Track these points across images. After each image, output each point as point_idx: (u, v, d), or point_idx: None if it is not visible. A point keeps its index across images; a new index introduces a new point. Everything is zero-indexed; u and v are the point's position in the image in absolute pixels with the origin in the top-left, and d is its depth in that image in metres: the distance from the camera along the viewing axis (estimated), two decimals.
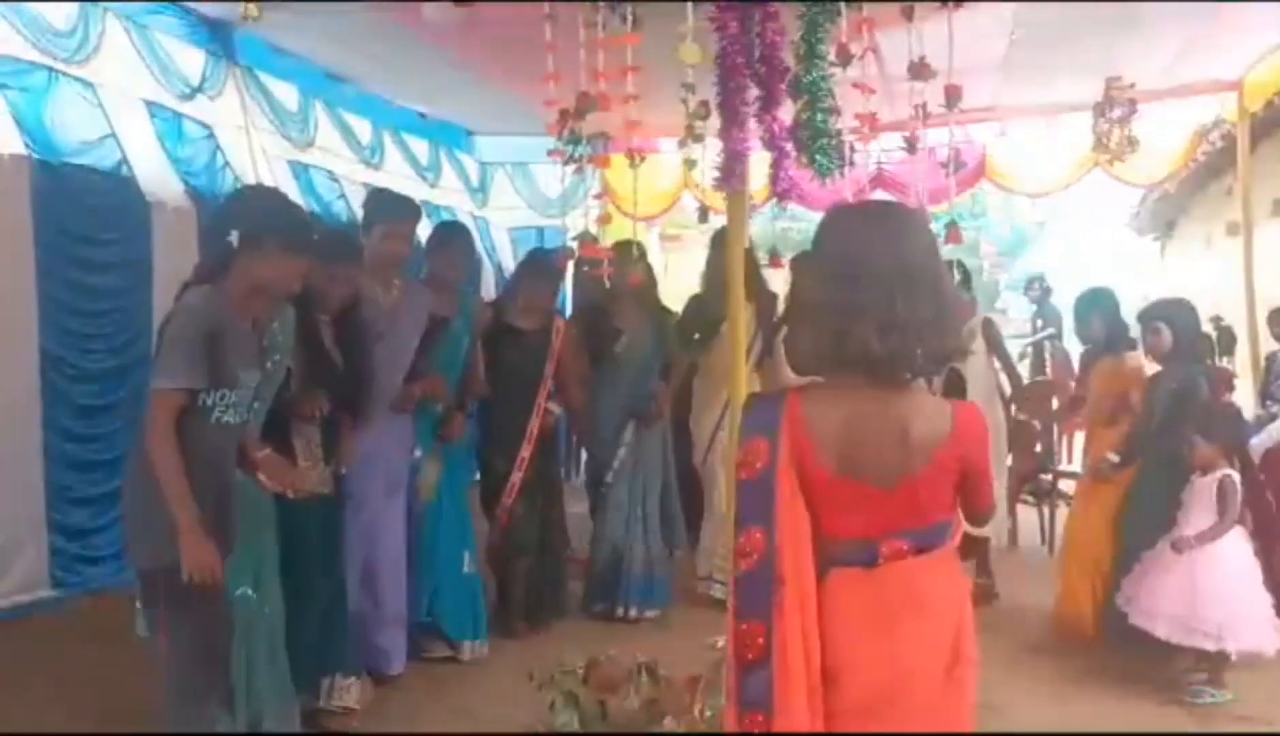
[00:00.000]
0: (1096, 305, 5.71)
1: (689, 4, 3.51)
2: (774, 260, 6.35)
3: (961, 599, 2.15)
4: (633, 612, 5.81)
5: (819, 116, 3.74)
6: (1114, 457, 5.28)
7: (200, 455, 3.15)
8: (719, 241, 5.96)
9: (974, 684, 2.10)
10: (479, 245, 9.36)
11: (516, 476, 5.39)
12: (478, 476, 5.75)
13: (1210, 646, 4.55)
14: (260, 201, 3.59)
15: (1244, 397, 7.57)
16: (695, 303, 6.23)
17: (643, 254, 6.24)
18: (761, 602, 1.98)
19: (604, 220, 5.07)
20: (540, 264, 5.83)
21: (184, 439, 3.11)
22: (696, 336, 6.05)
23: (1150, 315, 5.25)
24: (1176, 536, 4.63)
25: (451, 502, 5.11)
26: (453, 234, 5.49)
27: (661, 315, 6.16)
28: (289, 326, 3.60)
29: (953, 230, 4.45)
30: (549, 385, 5.54)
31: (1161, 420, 5.04)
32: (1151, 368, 5.33)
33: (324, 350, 4.11)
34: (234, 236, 3.21)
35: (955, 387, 5.46)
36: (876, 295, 1.97)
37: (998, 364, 6.25)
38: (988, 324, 6.19)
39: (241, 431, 3.35)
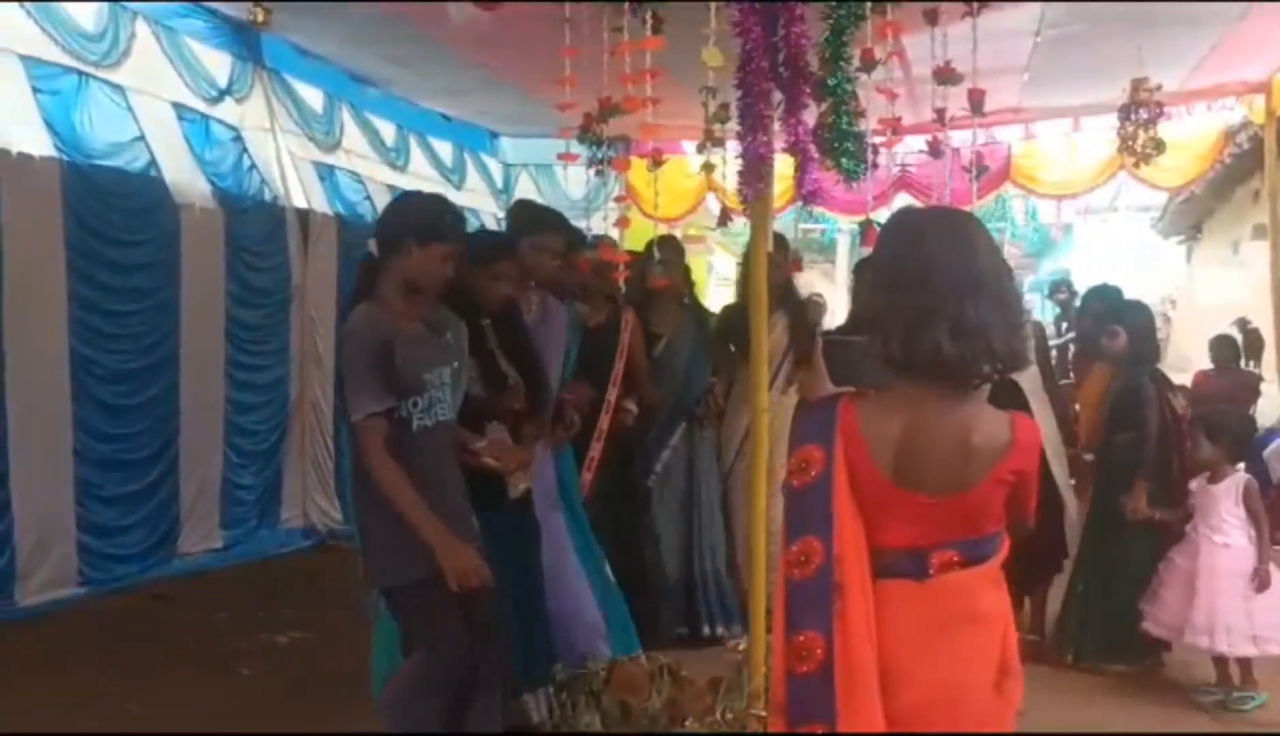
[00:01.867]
0: (1103, 303, 5.70)
1: (712, 7, 3.51)
2: (794, 264, 6.31)
3: (1006, 610, 2.12)
4: (718, 630, 5.42)
5: (843, 120, 3.73)
6: (1089, 456, 5.30)
7: (413, 466, 3.14)
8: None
9: (1020, 697, 2.09)
10: None
11: (587, 476, 4.95)
12: None
13: (1275, 651, 4.56)
14: (396, 204, 3.60)
15: (1271, 402, 7.53)
16: (732, 310, 5.95)
17: (680, 252, 5.98)
18: (819, 612, 1.94)
19: (623, 223, 5.01)
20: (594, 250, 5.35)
21: (396, 456, 3.12)
22: (733, 347, 5.69)
23: (1108, 317, 5.26)
24: (1258, 569, 4.56)
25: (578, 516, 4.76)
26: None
27: (701, 314, 5.94)
28: (463, 335, 3.50)
29: None
30: (620, 380, 5.17)
31: (1110, 420, 5.07)
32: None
33: (494, 355, 3.93)
34: (372, 245, 3.24)
35: (1010, 394, 5.40)
36: (948, 298, 1.95)
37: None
38: (1036, 327, 6.17)
39: (447, 432, 3.32)
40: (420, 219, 3.29)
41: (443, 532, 3.09)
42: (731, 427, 5.73)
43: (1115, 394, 5.07)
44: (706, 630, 5.42)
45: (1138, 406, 4.95)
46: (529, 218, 4.62)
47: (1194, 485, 4.79)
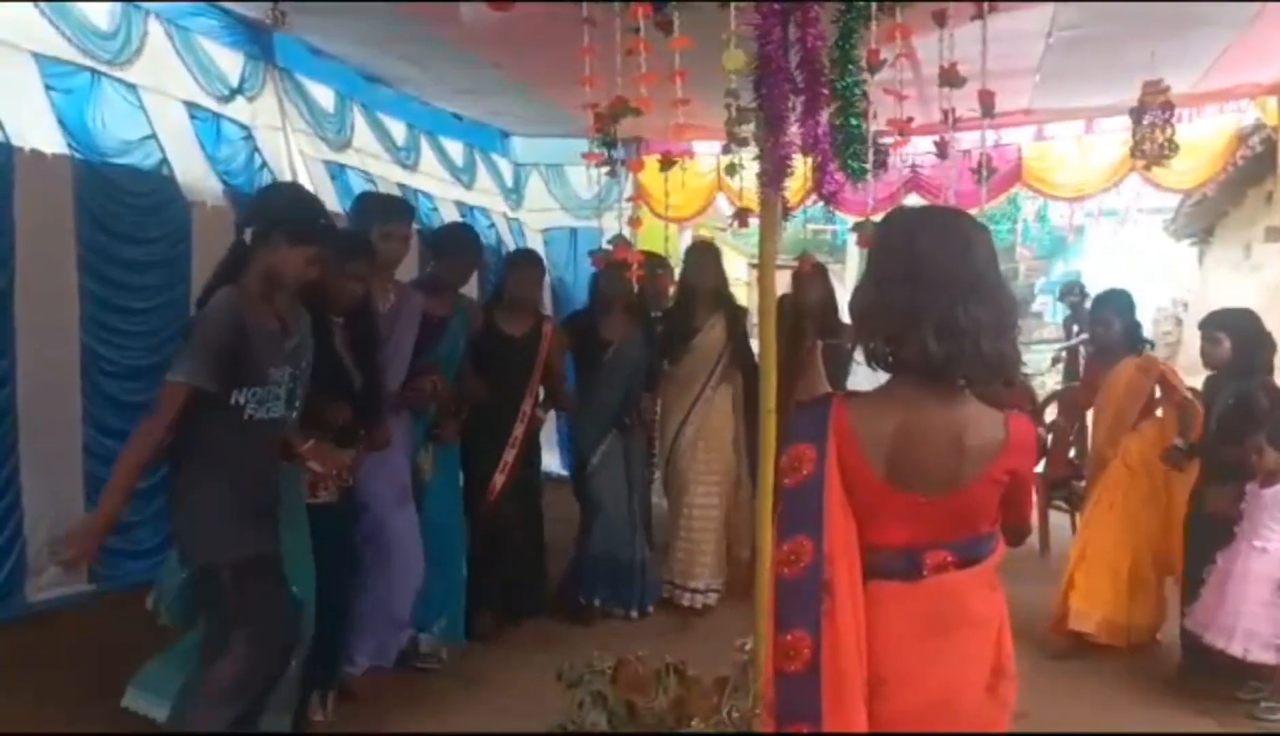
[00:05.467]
0: (1114, 305, 5.66)
1: (731, 8, 3.50)
2: (805, 261, 6.35)
3: (1002, 613, 2.12)
4: (633, 613, 5.92)
5: (852, 121, 3.73)
6: (1180, 442, 5.16)
7: (235, 451, 3.22)
8: (690, 256, 6.37)
9: (1014, 700, 2.09)
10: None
11: (499, 479, 5.37)
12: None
13: None
14: (272, 196, 3.67)
15: None
16: (667, 315, 6.37)
17: (664, 265, 6.38)
18: (808, 612, 1.94)
19: (635, 224, 5.06)
20: (522, 262, 5.84)
21: (215, 437, 3.19)
22: (671, 348, 6.22)
23: (1211, 323, 5.15)
24: None
25: (441, 505, 5.08)
26: (468, 245, 5.39)
27: (649, 326, 6.26)
28: (308, 328, 3.59)
29: None
30: (536, 390, 5.53)
31: (1218, 432, 4.96)
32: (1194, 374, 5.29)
33: (337, 354, 4.06)
34: (247, 234, 3.29)
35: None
36: (936, 298, 1.94)
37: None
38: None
39: (275, 428, 3.37)
40: (294, 216, 3.34)
41: (108, 515, 3.26)
42: (666, 425, 6.19)
43: (1224, 405, 4.95)
44: (634, 613, 5.94)
45: (1248, 419, 4.82)
46: (376, 207, 4.80)
47: (1249, 489, 4.72)
